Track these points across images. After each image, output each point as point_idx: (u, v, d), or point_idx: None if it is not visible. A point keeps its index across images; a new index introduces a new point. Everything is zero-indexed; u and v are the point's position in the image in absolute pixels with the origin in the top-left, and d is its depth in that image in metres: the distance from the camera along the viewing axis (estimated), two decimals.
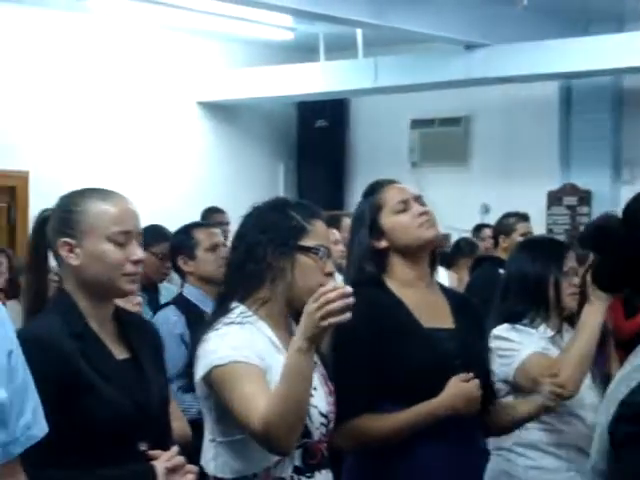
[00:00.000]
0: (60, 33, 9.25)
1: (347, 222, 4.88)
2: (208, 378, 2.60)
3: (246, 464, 2.62)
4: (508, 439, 3.38)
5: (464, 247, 7.84)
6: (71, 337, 2.36)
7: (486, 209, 10.17)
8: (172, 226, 5.07)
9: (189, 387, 3.67)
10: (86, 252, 2.43)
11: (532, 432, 3.39)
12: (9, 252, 7.27)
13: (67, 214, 2.46)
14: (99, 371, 2.36)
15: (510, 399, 3.37)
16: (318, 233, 2.72)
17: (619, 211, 1.98)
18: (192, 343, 3.81)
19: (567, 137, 9.92)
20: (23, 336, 2.38)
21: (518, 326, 3.45)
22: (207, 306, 4.26)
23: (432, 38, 8.90)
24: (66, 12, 9.11)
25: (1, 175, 8.89)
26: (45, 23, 9.16)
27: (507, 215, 6.89)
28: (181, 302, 4.42)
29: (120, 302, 2.63)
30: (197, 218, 7.20)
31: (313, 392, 2.64)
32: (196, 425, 3.45)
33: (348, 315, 2.39)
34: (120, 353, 2.48)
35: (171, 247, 4.63)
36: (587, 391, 3.39)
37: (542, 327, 3.48)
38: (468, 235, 8.39)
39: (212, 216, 7.65)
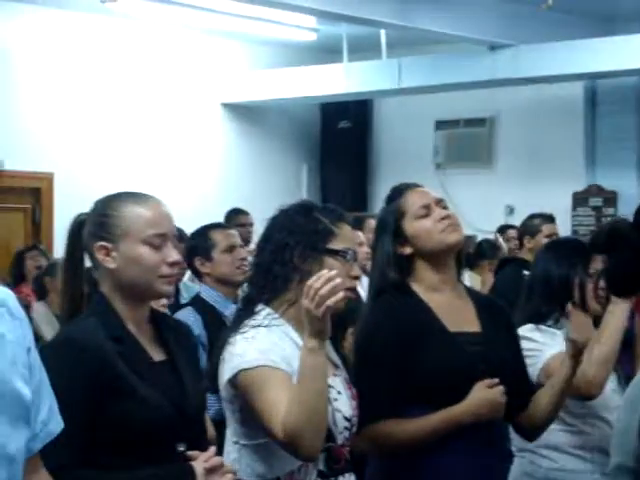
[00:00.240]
0: (85, 35, 9.29)
1: (371, 223, 4.86)
2: (234, 381, 2.60)
3: (270, 468, 2.62)
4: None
5: (486, 249, 7.81)
6: (110, 340, 2.39)
7: (511, 210, 10.13)
8: (196, 227, 5.07)
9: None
10: (122, 255, 2.45)
11: (555, 434, 3.36)
12: (44, 249, 7.32)
13: (103, 218, 2.48)
14: (138, 373, 2.38)
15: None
16: (345, 236, 2.74)
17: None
18: (210, 344, 3.85)
19: (592, 138, 9.88)
20: (63, 338, 2.43)
21: (542, 327, 3.43)
22: (224, 307, 4.28)
23: (456, 39, 8.88)
24: (90, 14, 9.15)
25: (26, 177, 8.94)
26: (69, 25, 9.20)
27: (532, 216, 6.84)
28: (198, 303, 4.43)
29: None
30: (221, 219, 7.21)
31: (337, 396, 2.65)
32: (214, 425, 3.49)
33: (340, 295, 2.43)
34: (157, 355, 2.49)
35: (188, 248, 4.63)
36: (612, 394, 3.37)
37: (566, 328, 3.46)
38: (492, 237, 8.36)
39: (236, 217, 7.66)
